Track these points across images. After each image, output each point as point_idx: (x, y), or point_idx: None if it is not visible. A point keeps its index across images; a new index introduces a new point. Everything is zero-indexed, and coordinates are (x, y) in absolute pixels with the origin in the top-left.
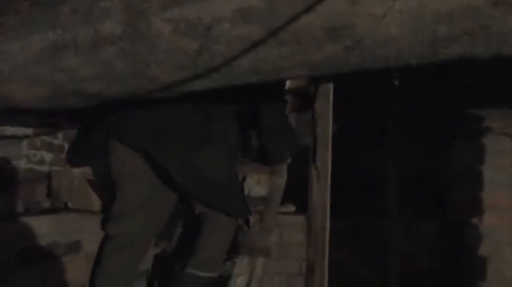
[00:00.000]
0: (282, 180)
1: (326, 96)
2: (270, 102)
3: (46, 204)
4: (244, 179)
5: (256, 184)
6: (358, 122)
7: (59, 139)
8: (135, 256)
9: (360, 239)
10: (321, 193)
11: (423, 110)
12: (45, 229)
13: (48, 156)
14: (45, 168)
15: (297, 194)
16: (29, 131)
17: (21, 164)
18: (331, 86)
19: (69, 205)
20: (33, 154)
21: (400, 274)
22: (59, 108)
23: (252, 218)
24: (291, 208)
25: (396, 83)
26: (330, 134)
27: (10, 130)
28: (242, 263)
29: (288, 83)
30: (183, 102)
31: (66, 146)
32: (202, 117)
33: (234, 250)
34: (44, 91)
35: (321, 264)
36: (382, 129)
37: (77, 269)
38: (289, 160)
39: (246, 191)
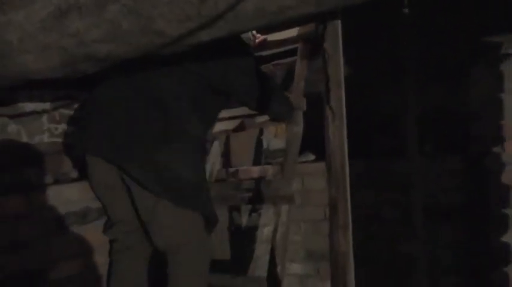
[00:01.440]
0: (298, 128)
1: (335, 33)
2: (237, 74)
3: (73, 174)
4: (261, 133)
5: (274, 137)
6: (370, 60)
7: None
8: (136, 257)
9: (381, 179)
10: (337, 131)
11: (438, 41)
12: (76, 196)
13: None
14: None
15: (315, 143)
16: (47, 105)
17: (45, 139)
18: (339, 23)
19: None
20: (55, 127)
21: (424, 210)
22: (73, 75)
23: (272, 169)
24: (311, 156)
25: (406, 11)
26: (342, 72)
27: (29, 106)
28: (267, 213)
29: (296, 31)
30: (139, 98)
31: None
32: (160, 113)
33: (258, 201)
34: (55, 58)
35: (343, 202)
36: (396, 65)
37: None
38: (304, 107)
39: (264, 145)
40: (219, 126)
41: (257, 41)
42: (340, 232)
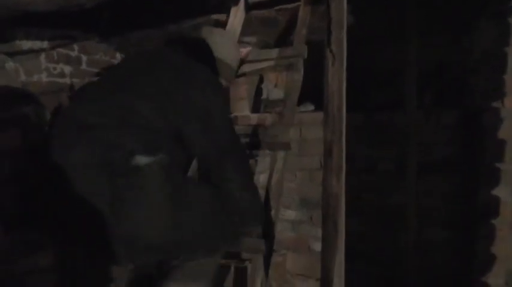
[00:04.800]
0: (299, 76)
1: None
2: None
3: None
4: (262, 81)
5: (274, 87)
6: (371, 13)
7: (75, 51)
8: None
9: (379, 132)
10: (336, 74)
11: None
12: None
13: (67, 68)
14: (67, 80)
15: (315, 93)
16: (44, 44)
17: (43, 78)
18: None
19: None
20: (53, 67)
21: (419, 163)
22: (69, 9)
23: (271, 117)
24: (310, 107)
25: None
26: (345, 14)
27: (26, 44)
28: (264, 161)
29: None
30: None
31: (83, 58)
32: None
33: (255, 147)
34: None
35: (338, 145)
36: (398, 18)
37: None
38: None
39: (264, 94)
40: None
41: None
42: (333, 174)
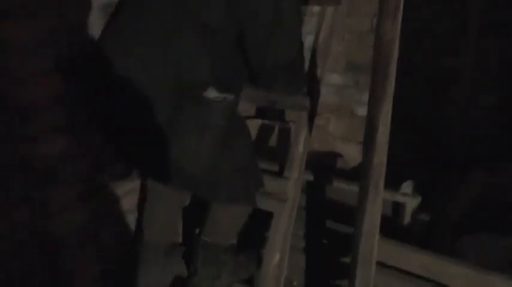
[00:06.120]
0: None
1: None
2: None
3: None
4: None
5: None
6: None
7: None
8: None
9: None
10: None
11: None
12: None
13: None
14: None
15: None
16: None
17: None
18: None
19: None
20: None
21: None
22: None
23: None
24: None
25: None
26: None
27: None
28: (311, 20)
29: None
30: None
31: None
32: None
33: (303, 3)
34: None
35: None
36: None
37: None
38: None
39: None
40: None
41: None
42: (389, 19)
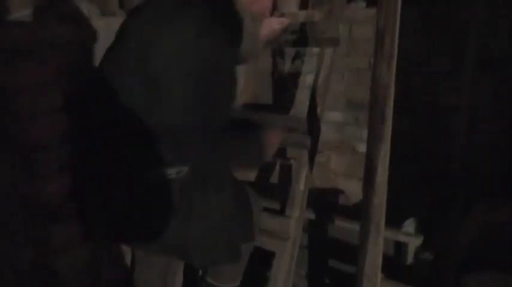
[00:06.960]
0: None
1: None
2: None
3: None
4: None
5: None
6: None
7: None
8: None
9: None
10: None
11: None
12: None
13: None
14: None
15: None
16: None
17: None
18: None
19: None
20: None
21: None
22: None
23: (319, 13)
24: (362, 4)
25: None
26: None
27: None
28: (311, 61)
29: None
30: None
31: None
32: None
33: (302, 44)
34: None
35: (391, 33)
36: None
37: None
38: None
39: None
40: None
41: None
42: (384, 63)
